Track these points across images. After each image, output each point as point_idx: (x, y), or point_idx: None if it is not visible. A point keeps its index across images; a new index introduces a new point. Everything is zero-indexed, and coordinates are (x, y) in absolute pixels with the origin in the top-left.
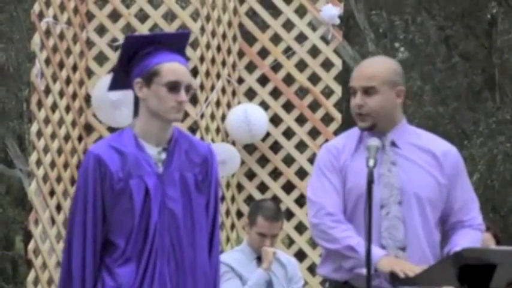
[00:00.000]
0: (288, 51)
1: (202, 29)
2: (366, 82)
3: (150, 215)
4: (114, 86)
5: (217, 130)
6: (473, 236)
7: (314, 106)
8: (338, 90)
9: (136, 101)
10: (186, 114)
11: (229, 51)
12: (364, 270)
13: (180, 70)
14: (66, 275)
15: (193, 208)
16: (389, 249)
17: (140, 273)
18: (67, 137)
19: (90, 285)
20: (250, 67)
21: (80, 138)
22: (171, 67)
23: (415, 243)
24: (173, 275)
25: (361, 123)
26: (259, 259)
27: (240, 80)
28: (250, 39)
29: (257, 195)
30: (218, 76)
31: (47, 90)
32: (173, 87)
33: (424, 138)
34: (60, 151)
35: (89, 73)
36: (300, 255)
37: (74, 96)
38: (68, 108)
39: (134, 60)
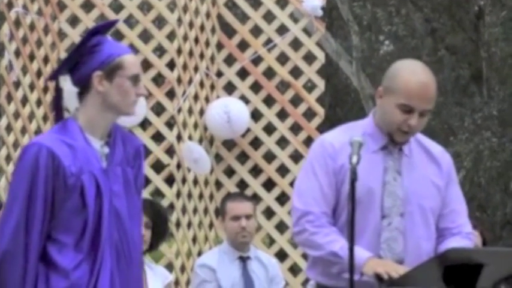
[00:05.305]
0: (269, 44)
1: (180, 20)
2: (428, 105)
3: (102, 213)
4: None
5: (195, 125)
6: (462, 244)
7: (296, 101)
8: (321, 84)
9: (58, 94)
10: (163, 109)
11: (207, 44)
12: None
13: (138, 62)
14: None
15: (134, 202)
16: None
17: (94, 273)
18: (38, 132)
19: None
20: (230, 60)
21: None
22: (132, 59)
23: (416, 256)
24: (122, 272)
25: (400, 139)
26: (241, 258)
27: (219, 74)
28: (229, 31)
29: None
30: (196, 69)
31: (17, 83)
32: (136, 80)
33: (425, 143)
34: None
35: None
36: (281, 255)
37: (45, 89)
38: (39, 102)
39: (81, 52)
